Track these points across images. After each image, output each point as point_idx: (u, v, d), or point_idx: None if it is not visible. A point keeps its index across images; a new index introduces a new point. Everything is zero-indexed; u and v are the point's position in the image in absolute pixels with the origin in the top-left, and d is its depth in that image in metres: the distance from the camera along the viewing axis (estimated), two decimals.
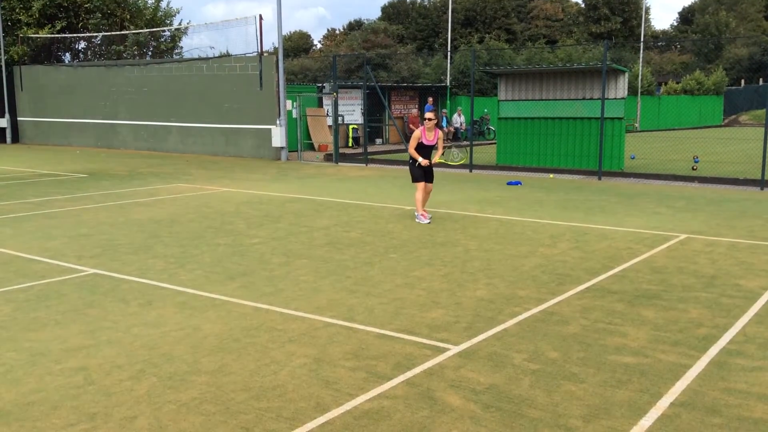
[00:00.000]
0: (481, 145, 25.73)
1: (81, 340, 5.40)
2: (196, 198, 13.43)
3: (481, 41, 49.82)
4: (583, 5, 63.82)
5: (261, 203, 12.73)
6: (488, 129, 31.95)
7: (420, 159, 10.58)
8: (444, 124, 30.86)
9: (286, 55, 22.14)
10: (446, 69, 35.37)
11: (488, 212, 11.68)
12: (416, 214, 10.68)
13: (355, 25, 68.46)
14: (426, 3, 64.68)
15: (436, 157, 10.79)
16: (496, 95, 34.03)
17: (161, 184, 15.76)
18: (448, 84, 33.69)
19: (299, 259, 8.17)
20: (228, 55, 25.82)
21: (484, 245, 8.96)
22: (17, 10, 29.14)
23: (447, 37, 37.92)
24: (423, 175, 10.71)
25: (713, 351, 5.16)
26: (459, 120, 31.67)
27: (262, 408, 4.22)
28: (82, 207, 12.22)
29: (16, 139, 29.58)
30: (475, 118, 32.37)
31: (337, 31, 71.25)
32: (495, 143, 21.77)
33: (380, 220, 10.88)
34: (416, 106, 31.12)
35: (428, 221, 10.50)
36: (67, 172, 18.10)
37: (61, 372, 4.77)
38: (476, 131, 30.77)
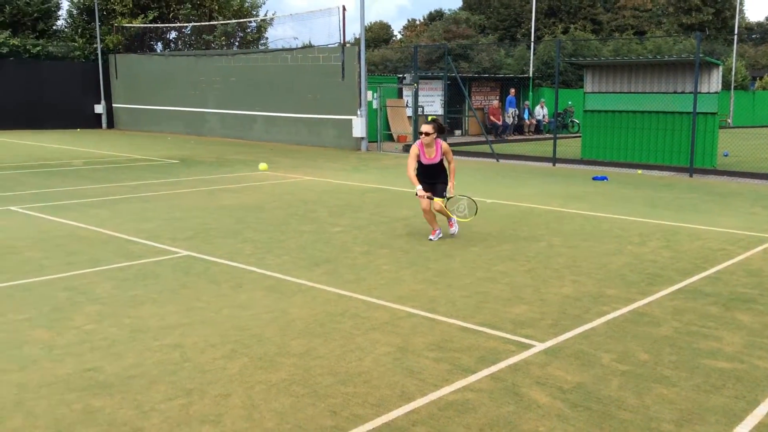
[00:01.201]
0: (564, 138, 25.21)
1: (177, 319, 5.64)
2: (280, 186, 13.74)
3: (565, 31, 48.64)
4: None
5: (342, 192, 12.90)
6: (572, 122, 31.24)
7: (418, 189, 8.42)
8: (526, 116, 30.39)
9: (366, 46, 22.27)
10: (529, 60, 34.75)
11: (573, 208, 11.45)
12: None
13: (435, 16, 68.07)
14: None
15: (451, 187, 8.60)
16: (581, 87, 33.26)
17: (247, 171, 16.19)
18: (531, 75, 33.09)
19: (380, 249, 8.25)
20: (311, 45, 26.26)
21: (569, 241, 8.80)
22: (112, 0, 30.43)
23: (529, 27, 37.17)
24: (427, 190, 8.55)
25: None
26: (542, 112, 31.11)
27: (348, 393, 4.30)
28: (175, 191, 12.71)
29: (111, 124, 30.98)
30: (558, 111, 31.74)
31: (418, 22, 71.08)
32: (579, 137, 21.28)
33: None
34: (497, 97, 30.75)
35: (436, 238, 8.65)
36: (159, 158, 18.85)
37: (159, 348, 5.01)
38: (560, 124, 30.12)
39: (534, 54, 34.59)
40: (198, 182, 14.00)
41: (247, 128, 26.09)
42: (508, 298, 6.32)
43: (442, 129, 8.66)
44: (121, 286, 6.53)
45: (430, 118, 8.86)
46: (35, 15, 29.40)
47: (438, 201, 8.47)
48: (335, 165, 17.86)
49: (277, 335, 5.30)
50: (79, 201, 11.34)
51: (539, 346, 5.12)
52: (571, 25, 52.81)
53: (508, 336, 5.33)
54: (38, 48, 28.77)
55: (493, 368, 4.70)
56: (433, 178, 8.59)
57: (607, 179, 15.43)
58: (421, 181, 8.53)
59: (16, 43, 28.03)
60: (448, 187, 8.59)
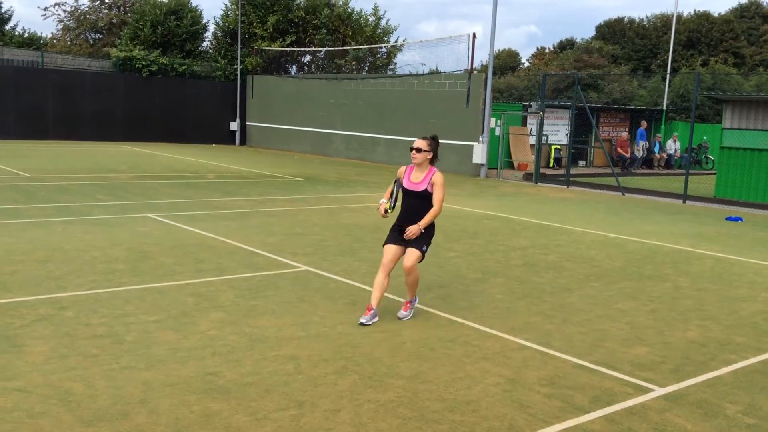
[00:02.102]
0: (697, 174, 23.92)
1: (293, 331, 5.84)
2: (398, 208, 13.90)
3: (704, 64, 46.33)
4: None
5: (459, 218, 12.89)
6: (706, 158, 29.59)
7: (381, 204, 6.43)
8: (656, 150, 29.13)
9: (493, 73, 22.24)
10: (663, 92, 33.35)
11: (703, 248, 10.82)
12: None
13: (566, 44, 66.80)
14: (645, 23, 61.50)
15: (423, 223, 6.19)
16: (717, 122, 31.52)
17: (367, 192, 16.53)
18: (665, 108, 31.72)
19: (495, 278, 8.16)
20: (437, 72, 26.54)
21: (696, 283, 8.32)
22: (254, 24, 32.21)
23: (665, 59, 35.62)
24: (394, 235, 6.34)
25: None
26: (674, 146, 29.71)
27: (456, 420, 4.28)
28: (298, 208, 13.19)
29: (243, 141, 32.65)
30: (692, 146, 30.19)
31: (547, 50, 70.06)
32: (713, 174, 20.14)
33: (581, 246, 10.53)
34: (626, 129, 29.67)
35: (368, 321, 6.03)
36: (285, 175, 19.64)
37: (275, 358, 5.20)
38: (693, 160, 28.64)
39: (669, 86, 33.17)
40: (319, 200, 14.45)
41: (369, 150, 26.66)
42: (627, 338, 6.06)
43: (436, 153, 6.39)
44: (243, 296, 6.85)
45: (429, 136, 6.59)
46: (184, 36, 31.63)
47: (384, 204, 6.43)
48: (453, 190, 17.86)
49: (388, 356, 5.36)
50: (210, 212, 12.01)
51: (659, 391, 4.87)
52: (711, 58, 50.25)
53: (626, 378, 5.11)
54: (184, 67, 30.90)
55: (608, 410, 4.52)
56: (411, 209, 6.26)
57: (742, 220, 14.48)
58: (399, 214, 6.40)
59: (165, 61, 30.26)
60: (430, 213, 6.26)
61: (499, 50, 70.69)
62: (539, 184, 20.83)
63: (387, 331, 5.96)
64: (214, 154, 26.31)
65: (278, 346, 5.46)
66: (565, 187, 20.14)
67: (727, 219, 14.59)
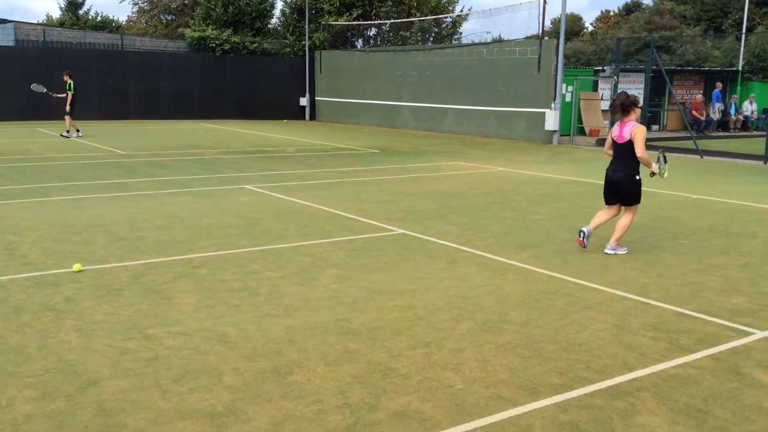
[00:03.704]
0: None
1: (404, 285, 6.35)
2: (476, 176, 14.27)
3: None
4: None
5: (538, 183, 13.15)
6: None
7: (653, 166, 7.57)
8: (732, 111, 28.41)
9: (555, 38, 22.16)
10: (738, 52, 32.32)
11: None
12: (612, 246, 7.69)
13: (632, 6, 64.88)
14: None
15: (652, 165, 7.54)
16: None
17: (443, 161, 16.92)
18: (740, 69, 30.79)
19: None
20: (501, 40, 26.49)
21: None
22: (321, 0, 32.70)
23: (736, 17, 34.42)
24: (610, 194, 7.84)
25: None
26: (750, 108, 28.92)
27: (571, 359, 4.71)
28: (380, 177, 13.71)
29: (313, 116, 33.36)
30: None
31: (612, 13, 68.19)
32: None
33: (665, 207, 10.70)
34: (700, 91, 29.02)
35: (623, 251, 7.68)
36: (360, 147, 20.19)
37: (394, 307, 5.72)
38: None
39: (744, 46, 32.12)
40: (399, 170, 14.92)
41: (438, 121, 26.94)
42: (723, 289, 6.34)
43: (636, 104, 7.49)
44: (352, 255, 7.40)
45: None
46: (253, 14, 32.40)
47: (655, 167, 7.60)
48: (528, 157, 18.06)
49: (497, 305, 5.81)
50: (300, 183, 12.64)
51: (760, 334, 5.18)
52: None
53: (726, 323, 5.42)
54: (254, 45, 31.71)
55: (713, 350, 4.87)
56: (619, 159, 7.55)
57: None
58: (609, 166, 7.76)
59: (237, 40, 31.12)
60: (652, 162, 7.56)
61: (557, 16, 69.30)
62: None
63: (490, 285, 6.41)
64: (287, 129, 27.08)
65: (395, 297, 5.98)
66: None
67: None
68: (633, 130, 7.38)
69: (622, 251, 7.66)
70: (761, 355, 4.77)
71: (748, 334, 5.19)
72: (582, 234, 7.67)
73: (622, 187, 7.62)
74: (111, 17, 41.76)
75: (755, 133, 26.68)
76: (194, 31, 31.03)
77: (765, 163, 17.22)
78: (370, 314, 5.55)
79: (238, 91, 31.54)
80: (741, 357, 4.75)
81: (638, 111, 7.46)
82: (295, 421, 3.79)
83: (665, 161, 7.93)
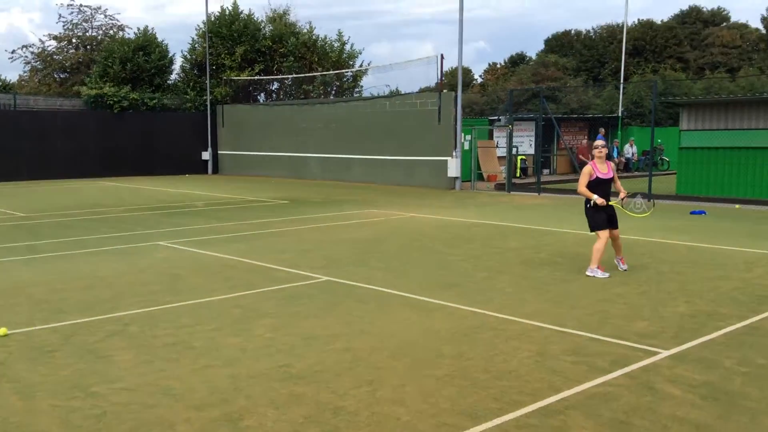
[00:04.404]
0: (655, 175, 25.29)
1: (339, 329, 6.59)
2: (389, 222, 14.75)
3: (655, 71, 48.51)
4: (764, 31, 60.03)
5: (449, 227, 13.76)
6: (662, 159, 31.20)
7: (595, 197, 8.85)
8: (615, 154, 30.58)
9: (449, 90, 23.39)
10: (617, 99, 35.03)
11: (674, 239, 11.89)
12: (590, 268, 8.90)
13: (517, 59, 68.91)
14: (592, 34, 63.96)
15: (623, 193, 9.35)
16: (670, 126, 33.21)
17: (355, 209, 17.32)
18: (620, 115, 33.33)
19: (500, 275, 9.03)
20: (398, 93, 27.61)
21: (676, 268, 9.32)
22: (223, 56, 32.91)
23: (613, 67, 37.37)
24: (605, 220, 8.95)
25: None
26: (631, 150, 31.24)
27: (504, 385, 5.09)
28: (296, 228, 13.91)
29: (216, 170, 33.14)
30: (647, 150, 31.77)
31: (499, 65, 72.07)
32: (669, 174, 21.46)
33: (566, 244, 11.49)
34: (585, 136, 31.14)
35: (606, 275, 8.78)
36: (270, 199, 20.31)
37: (333, 351, 5.94)
38: (649, 161, 30.20)
39: (623, 94, 34.87)
40: (313, 219, 15.18)
41: (345, 171, 27.48)
42: (627, 316, 6.96)
43: (609, 152, 9.40)
44: (282, 304, 7.57)
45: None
46: (152, 71, 32.12)
47: (616, 204, 9.21)
48: (435, 203, 18.78)
49: (430, 342, 6.15)
50: (214, 237, 12.65)
51: (665, 353, 5.76)
52: (657, 64, 52.56)
53: (635, 345, 5.99)
54: (154, 101, 31.37)
55: (627, 369, 5.39)
56: (607, 194, 9.00)
57: (705, 213, 15.68)
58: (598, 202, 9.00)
59: (135, 96, 30.69)
60: (620, 196, 9.36)
61: (451, 67, 72.35)
62: (512, 192, 21.91)
63: (421, 323, 6.75)
64: (191, 183, 26.80)
65: (332, 341, 6.20)
66: (537, 194, 21.24)
67: (691, 213, 15.78)
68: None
69: (599, 274, 8.85)
70: (668, 371, 5.33)
71: (655, 353, 5.77)
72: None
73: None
74: (2, 77, 40.21)
75: (636, 173, 28.81)
76: (91, 88, 30.39)
77: (649, 200, 18.67)
78: (310, 359, 5.74)
79: (138, 147, 31.00)
80: (651, 374, 5.28)
81: (595, 153, 9.12)
82: None
83: (647, 203, 10.02)
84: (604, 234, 8.92)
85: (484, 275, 9.02)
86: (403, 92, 28.35)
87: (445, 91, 23.62)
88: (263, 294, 8.07)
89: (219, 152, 33.16)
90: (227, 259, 10.37)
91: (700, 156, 18.69)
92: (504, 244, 11.53)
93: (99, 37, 36.07)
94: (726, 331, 6.39)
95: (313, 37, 34.25)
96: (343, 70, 32.84)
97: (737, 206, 17.06)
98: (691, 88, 38.40)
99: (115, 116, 30.41)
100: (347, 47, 34.71)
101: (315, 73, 31.99)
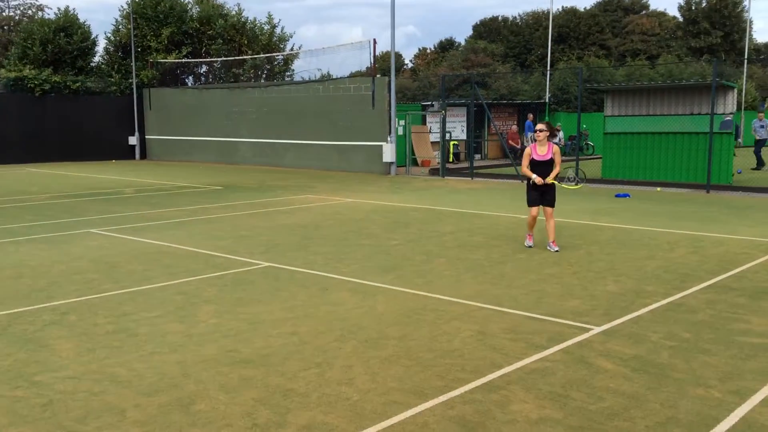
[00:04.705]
0: (581, 160, 26.20)
1: (283, 314, 6.64)
2: (326, 207, 14.80)
3: (579, 58, 49.95)
4: (681, 19, 62.67)
5: (387, 212, 13.93)
6: (587, 144, 32.28)
7: (534, 176, 9.56)
8: (527, 134, 31.43)
9: (382, 75, 23.53)
10: (545, 86, 35.96)
11: (602, 221, 12.41)
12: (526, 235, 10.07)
13: (446, 44, 69.63)
14: (518, 21, 65.27)
15: (552, 176, 9.59)
16: (595, 111, 34.37)
17: (291, 195, 17.28)
18: (547, 101, 34.24)
19: (438, 258, 9.25)
20: (330, 77, 27.54)
21: (605, 249, 9.77)
22: (148, 37, 31.97)
23: (539, 53, 38.41)
24: (539, 197, 9.67)
25: None
26: (558, 135, 32.17)
27: (447, 364, 5.28)
28: (232, 214, 13.79)
29: (143, 155, 32.31)
30: (573, 135, 32.80)
31: (428, 50, 72.64)
32: (594, 158, 22.27)
33: (500, 227, 11.83)
34: (515, 122, 31.88)
35: (530, 244, 9.89)
36: (202, 185, 19.99)
37: (279, 335, 6.00)
38: (575, 146, 31.16)
39: (550, 80, 35.78)
40: (249, 206, 15.08)
41: (279, 156, 27.28)
42: (561, 295, 7.29)
43: (553, 132, 9.84)
44: (224, 290, 7.56)
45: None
46: (74, 53, 30.92)
47: (552, 180, 9.65)
48: (371, 188, 18.92)
49: (374, 324, 6.29)
50: (148, 223, 12.41)
51: (597, 329, 6.08)
52: (581, 51, 54.11)
53: (569, 322, 6.30)
54: (77, 84, 30.24)
55: (562, 345, 5.67)
56: (544, 174, 9.55)
57: (629, 196, 16.39)
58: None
59: (57, 79, 29.52)
60: (555, 171, 9.65)
61: (382, 52, 72.56)
62: (446, 177, 22.28)
63: (364, 306, 6.88)
64: (118, 169, 26.06)
65: (278, 326, 6.26)
66: (470, 178, 21.67)
67: (616, 196, 16.47)
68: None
69: (526, 242, 10.01)
70: (601, 346, 5.64)
71: (588, 330, 6.08)
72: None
73: None
74: None
75: (564, 158, 29.73)
76: (9, 71, 29.03)
77: (576, 184, 19.36)
78: (256, 343, 5.79)
79: (62, 132, 29.88)
80: (585, 349, 5.58)
81: (535, 137, 9.84)
82: None
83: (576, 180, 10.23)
84: (533, 210, 9.79)
85: (423, 258, 9.22)
86: (334, 76, 28.30)
87: (378, 76, 23.71)
88: (205, 280, 8.03)
89: (147, 137, 32.32)
90: (164, 246, 10.22)
91: (624, 141, 19.48)
92: (440, 228, 11.78)
93: (17, 18, 34.43)
94: (652, 307, 6.78)
95: (242, 19, 33.68)
96: (274, 54, 32.46)
97: (658, 189, 17.90)
98: (613, 75, 39.78)
99: (36, 100, 29.20)
100: (278, 30, 34.33)
101: (245, 57, 31.51)
